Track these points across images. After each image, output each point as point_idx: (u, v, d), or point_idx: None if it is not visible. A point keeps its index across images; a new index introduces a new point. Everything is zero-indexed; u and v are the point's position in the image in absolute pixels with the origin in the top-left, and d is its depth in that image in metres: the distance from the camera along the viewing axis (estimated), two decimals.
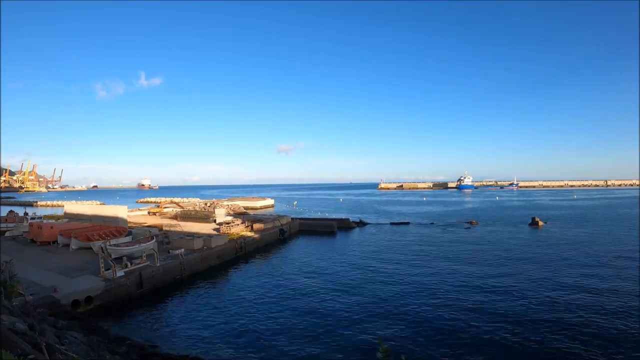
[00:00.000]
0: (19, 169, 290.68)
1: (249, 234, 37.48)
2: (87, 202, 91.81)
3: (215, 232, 36.77)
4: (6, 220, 41.99)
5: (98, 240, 27.24)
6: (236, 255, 31.54)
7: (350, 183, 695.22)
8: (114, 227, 33.20)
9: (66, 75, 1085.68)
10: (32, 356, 4.71)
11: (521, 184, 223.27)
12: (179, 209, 59.79)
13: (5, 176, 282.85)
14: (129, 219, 42.50)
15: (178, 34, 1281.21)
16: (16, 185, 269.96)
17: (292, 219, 50.46)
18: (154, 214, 61.04)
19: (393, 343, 14.24)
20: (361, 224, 52.74)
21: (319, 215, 66.37)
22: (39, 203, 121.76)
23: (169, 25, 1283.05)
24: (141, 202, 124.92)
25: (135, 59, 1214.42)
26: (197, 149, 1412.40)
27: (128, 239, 29.70)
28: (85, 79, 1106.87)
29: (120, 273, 20.77)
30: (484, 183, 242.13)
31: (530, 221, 50.02)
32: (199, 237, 30.73)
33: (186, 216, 52.15)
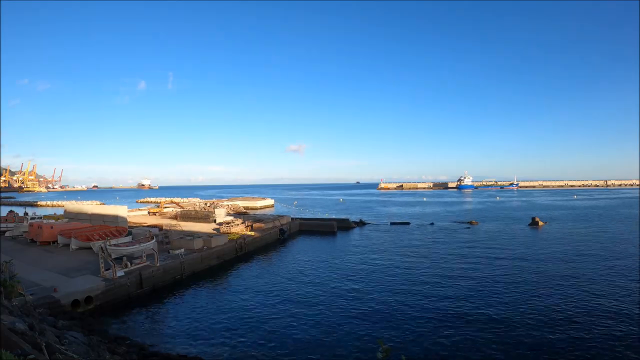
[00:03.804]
0: (19, 169, 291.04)
1: (249, 233, 37.47)
2: (87, 202, 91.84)
3: (215, 232, 36.77)
4: (6, 220, 41.98)
5: (98, 240, 27.22)
6: (236, 255, 31.53)
7: (358, 183, 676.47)
8: (114, 227, 33.19)
9: (68, 76, 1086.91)
10: (32, 356, 4.70)
11: (521, 184, 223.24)
12: (179, 209, 59.79)
13: (5, 176, 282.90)
14: (129, 219, 42.48)
15: (178, 35, 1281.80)
16: (16, 185, 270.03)
17: (292, 219, 50.45)
18: (154, 214, 61.05)
19: (393, 343, 14.23)
20: (361, 224, 52.74)
21: (319, 215, 66.37)
22: (39, 203, 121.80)
23: (171, 26, 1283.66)
24: (141, 202, 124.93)
25: (140, 60, 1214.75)
26: (200, 148, 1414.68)
27: (128, 239, 29.69)
28: (86, 81, 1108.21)
29: (120, 273, 20.76)
30: (484, 183, 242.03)
31: (530, 221, 50.01)
32: (199, 237, 30.73)
33: (186, 216, 52.15)
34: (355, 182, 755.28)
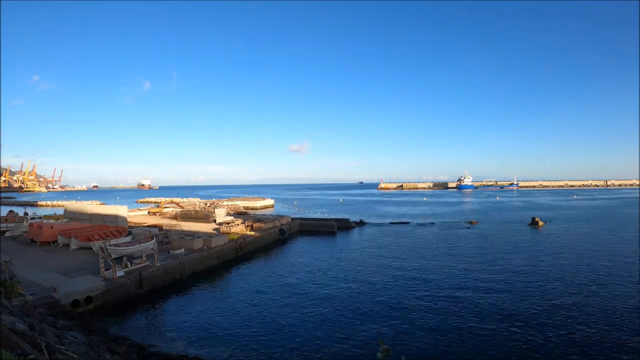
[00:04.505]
0: (19, 169, 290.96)
1: (249, 233, 37.47)
2: (87, 202, 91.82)
3: (215, 232, 36.77)
4: (6, 220, 41.99)
5: (98, 240, 27.24)
6: (236, 255, 31.53)
7: (361, 183, 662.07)
8: (114, 227, 33.20)
9: (69, 76, 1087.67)
10: (32, 356, 4.71)
11: (521, 184, 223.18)
12: (179, 209, 59.81)
13: (5, 176, 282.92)
14: (129, 219, 42.49)
15: (179, 35, 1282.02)
16: (16, 185, 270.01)
17: (292, 219, 50.46)
18: (154, 214, 61.06)
19: (393, 343, 14.23)
20: (361, 224, 52.74)
21: (319, 215, 66.38)
22: (39, 203, 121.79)
23: (171, 26, 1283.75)
24: (141, 202, 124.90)
25: (142, 60, 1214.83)
26: (200, 148, 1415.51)
27: (128, 239, 29.70)
28: (88, 81, 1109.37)
29: (120, 273, 20.77)
30: (484, 183, 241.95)
31: (530, 221, 50.02)
32: (199, 237, 30.73)
33: (186, 216, 52.16)
34: (358, 182, 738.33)
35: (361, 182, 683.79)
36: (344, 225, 49.16)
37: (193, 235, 33.17)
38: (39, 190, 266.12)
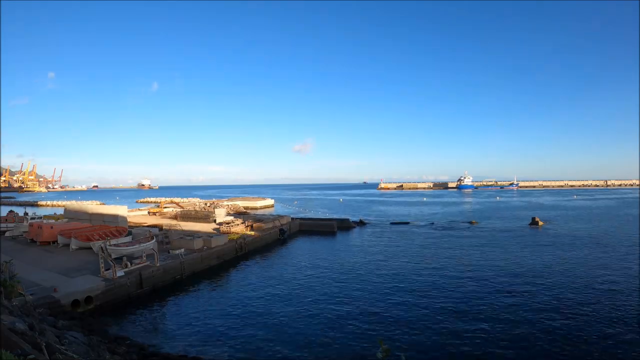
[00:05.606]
0: (19, 169, 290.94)
1: (249, 233, 37.46)
2: (87, 202, 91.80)
3: (215, 232, 36.77)
4: (6, 220, 41.97)
5: (98, 240, 27.22)
6: (236, 255, 31.52)
7: (365, 183, 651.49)
8: (114, 227, 33.18)
9: (71, 77, 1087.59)
10: (32, 356, 4.71)
11: (521, 184, 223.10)
12: (179, 209, 59.78)
13: (5, 176, 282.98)
14: (129, 219, 42.48)
15: (180, 36, 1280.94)
16: (16, 185, 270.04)
17: (292, 219, 50.44)
18: (154, 214, 61.04)
19: (393, 343, 14.23)
20: (361, 223, 52.73)
21: (319, 215, 66.36)
22: (39, 203, 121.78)
23: (171, 27, 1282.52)
24: (141, 202, 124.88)
25: (144, 60, 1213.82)
26: (200, 148, 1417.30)
27: (128, 239, 29.68)
28: (89, 81, 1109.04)
29: (120, 273, 20.76)
30: (484, 183, 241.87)
31: (530, 221, 50.01)
32: (199, 237, 30.72)
33: (186, 216, 52.14)
34: (362, 182, 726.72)
35: (365, 182, 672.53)
36: (344, 225, 49.15)
37: (193, 235, 33.15)
38: (39, 190, 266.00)
